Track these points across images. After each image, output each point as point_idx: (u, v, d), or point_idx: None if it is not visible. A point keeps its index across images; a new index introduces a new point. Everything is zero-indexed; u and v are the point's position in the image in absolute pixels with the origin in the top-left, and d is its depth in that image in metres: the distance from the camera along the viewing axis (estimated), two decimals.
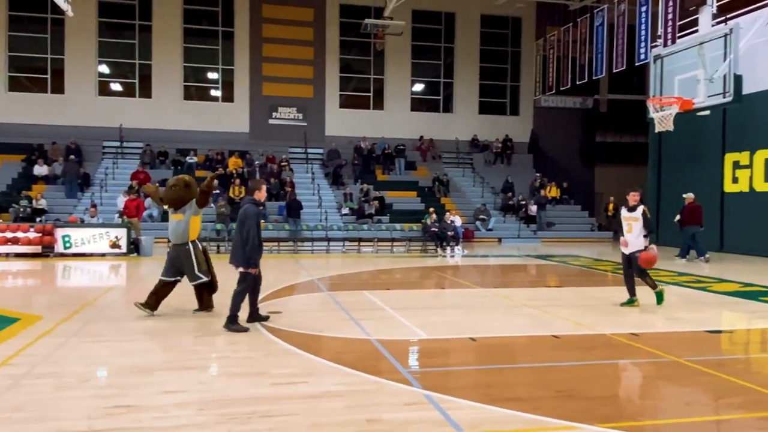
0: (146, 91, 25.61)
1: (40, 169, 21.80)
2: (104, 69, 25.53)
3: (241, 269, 6.77)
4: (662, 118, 14.21)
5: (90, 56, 24.90)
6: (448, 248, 17.93)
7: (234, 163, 23.66)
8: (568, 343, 6.43)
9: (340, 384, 4.80)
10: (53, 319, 6.99)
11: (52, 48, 24.71)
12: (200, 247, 7.57)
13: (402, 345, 6.33)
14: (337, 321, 7.37)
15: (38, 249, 14.99)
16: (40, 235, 15.07)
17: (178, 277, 7.46)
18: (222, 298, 7.46)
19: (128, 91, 25.80)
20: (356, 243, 18.49)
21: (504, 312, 8.31)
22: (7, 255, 14.84)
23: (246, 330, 6.64)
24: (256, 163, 24.00)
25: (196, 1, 25.89)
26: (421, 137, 27.53)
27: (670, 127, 14.10)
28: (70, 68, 24.72)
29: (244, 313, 6.88)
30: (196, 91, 26.54)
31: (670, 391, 4.90)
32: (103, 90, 25.50)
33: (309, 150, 26.20)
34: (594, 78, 22.63)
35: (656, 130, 15.18)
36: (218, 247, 17.49)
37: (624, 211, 8.48)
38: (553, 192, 25.26)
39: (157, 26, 25.41)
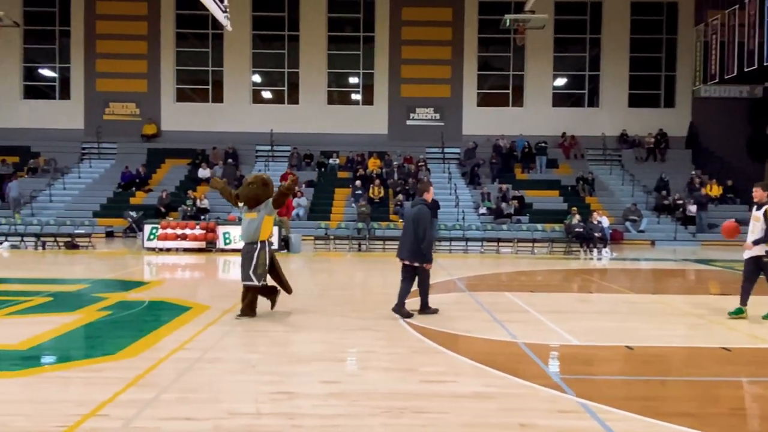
0: (294, 98, 27.16)
1: (203, 172, 23.97)
2: (257, 78, 27.48)
3: (406, 263, 7.37)
4: None
5: (245, 67, 26.92)
6: (595, 250, 17.01)
7: (373, 164, 24.35)
8: (741, 356, 5.80)
9: (490, 386, 4.71)
10: (219, 309, 7.61)
11: (212, 61, 27.07)
12: (268, 249, 7.20)
13: (552, 350, 6.08)
14: (481, 322, 7.25)
15: (203, 244, 16.48)
16: (204, 232, 16.55)
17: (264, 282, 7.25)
18: (292, 302, 7.64)
19: (278, 98, 27.53)
20: (495, 243, 18.15)
21: (663, 320, 7.68)
22: (177, 250, 16.47)
23: (436, 311, 7.50)
24: (395, 163, 24.49)
25: (340, 10, 26.99)
26: (564, 134, 26.42)
27: None
28: (228, 79, 26.91)
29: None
30: (338, 96, 27.67)
31: None
32: (256, 98, 27.45)
33: (446, 150, 26.24)
34: (765, 64, 20.24)
35: None
36: (359, 245, 18.06)
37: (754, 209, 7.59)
38: (714, 190, 23.03)
39: (303, 36, 26.85)
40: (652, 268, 14.67)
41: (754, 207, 7.67)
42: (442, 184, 23.78)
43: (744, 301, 7.65)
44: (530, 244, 17.93)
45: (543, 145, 25.22)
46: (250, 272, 7.03)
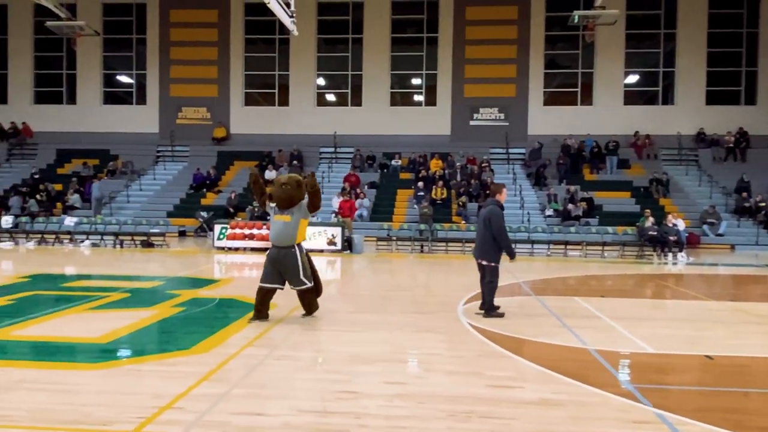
0: (357, 100, 27.42)
1: (269, 174, 24.54)
2: (321, 81, 27.91)
3: (483, 262, 7.55)
4: None
5: (310, 71, 27.41)
6: (670, 254, 16.28)
7: (435, 165, 24.24)
8: None
9: (560, 393, 4.57)
10: (286, 307, 7.76)
11: (279, 65, 27.71)
12: (305, 251, 7.11)
13: (624, 357, 5.84)
14: (550, 327, 7.07)
15: (269, 244, 16.84)
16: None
17: (280, 286, 6.96)
18: (356, 302, 7.58)
19: (341, 101, 27.88)
20: (562, 246, 17.67)
21: (744, 329, 7.25)
22: (245, 249, 16.94)
23: (502, 315, 7.47)
24: (457, 164, 24.29)
25: (403, 11, 27.05)
26: (636, 133, 25.44)
27: None
28: (293, 83, 27.48)
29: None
30: (401, 97, 27.72)
31: None
32: (321, 101, 27.88)
33: (510, 150, 25.80)
34: None
35: None
36: (422, 247, 18.01)
37: None
38: None
39: (367, 38, 27.06)
40: (732, 273, 13.90)
41: None
42: (506, 185, 23.32)
43: None
44: (600, 248, 17.35)
45: (614, 144, 24.36)
46: (301, 276, 6.86)
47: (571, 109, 26.38)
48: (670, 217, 17.45)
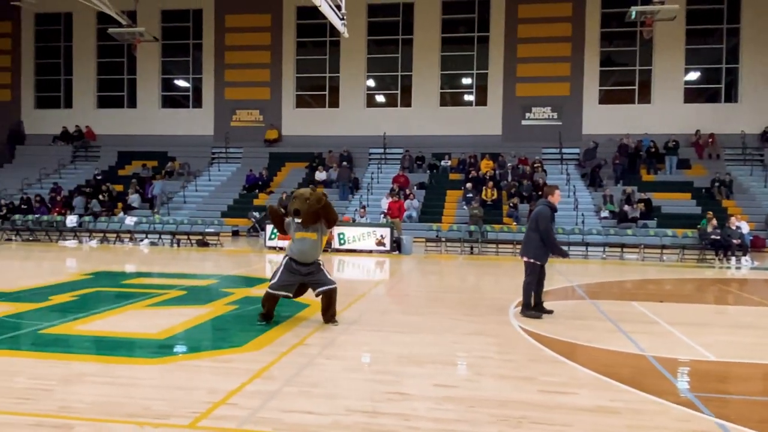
0: (407, 101, 27.43)
1: (320, 175, 24.86)
2: (371, 83, 28.05)
3: (525, 259, 7.68)
4: None
5: (360, 72, 27.59)
6: (733, 258, 15.57)
7: (486, 166, 23.98)
8: None
9: (615, 400, 4.43)
10: (336, 307, 7.81)
11: (329, 67, 28.00)
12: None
13: (684, 365, 5.61)
14: (605, 332, 6.87)
15: None
16: None
17: (291, 295, 6.91)
18: (405, 304, 7.45)
19: (391, 102, 27.94)
20: (618, 249, 17.15)
21: None
22: None
23: (539, 317, 7.48)
24: (508, 165, 23.95)
25: (454, 11, 26.88)
26: (697, 132, 24.46)
27: None
28: (343, 84, 27.72)
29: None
30: (451, 98, 27.55)
31: None
32: (370, 102, 28.03)
33: (564, 150, 25.26)
34: None
35: None
36: (471, 248, 17.84)
37: None
38: None
39: (417, 39, 27.03)
40: None
41: None
42: (559, 186, 22.82)
43: None
44: (658, 251, 16.77)
45: (673, 143, 23.51)
46: (329, 277, 6.89)
47: (628, 108, 25.61)
48: (733, 219, 16.71)
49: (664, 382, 4.96)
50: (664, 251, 16.73)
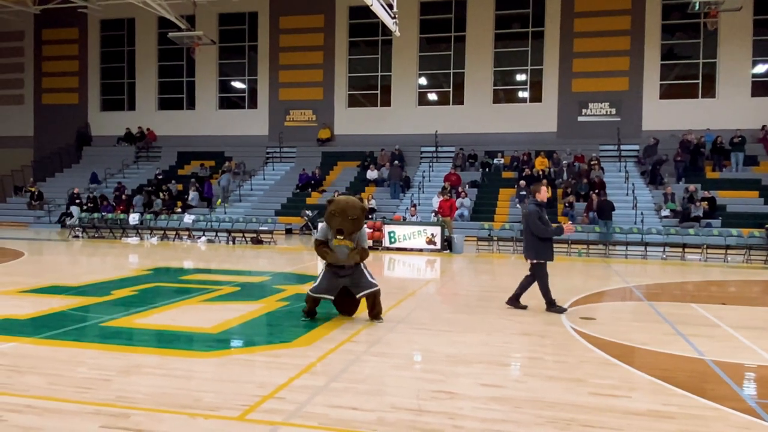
0: (459, 98, 27.19)
1: (371, 174, 24.98)
2: (423, 81, 27.96)
3: (532, 261, 7.79)
4: None
5: (411, 71, 27.55)
6: None
7: (540, 164, 23.52)
8: None
9: (669, 404, 4.27)
10: (384, 305, 7.85)
11: (381, 66, 28.09)
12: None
13: (746, 370, 5.36)
14: (662, 334, 6.62)
15: (370, 243, 17.16)
16: (371, 230, 17.22)
17: (332, 298, 6.92)
18: (455, 303, 7.33)
19: (443, 100, 27.77)
20: (680, 249, 16.50)
21: None
22: None
23: (564, 310, 7.66)
24: (564, 162, 23.41)
25: (508, 6, 26.47)
26: (764, 126, 23.24)
27: None
28: (395, 83, 27.74)
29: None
30: (504, 94, 27.15)
31: None
32: (422, 100, 27.94)
33: (622, 147, 24.49)
34: None
35: None
36: None
37: None
38: None
39: (470, 35, 26.76)
40: None
41: None
42: (618, 183, 22.25)
43: None
44: (723, 251, 16.02)
45: (739, 139, 22.42)
46: (371, 280, 6.94)
47: (691, 102, 24.58)
48: None
49: (724, 388, 4.75)
50: (729, 252, 15.98)
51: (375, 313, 6.98)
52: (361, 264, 6.99)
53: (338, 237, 6.80)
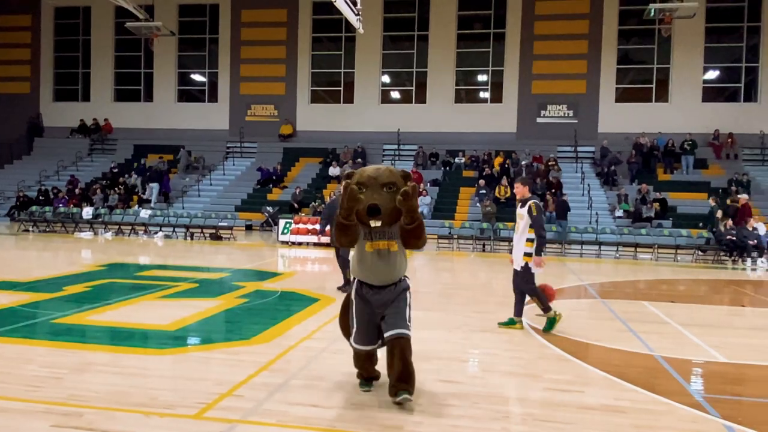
0: (421, 97, 27.33)
1: (333, 170, 24.89)
2: (386, 79, 27.99)
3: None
4: None
5: (375, 68, 27.54)
6: (749, 260, 15.37)
7: (499, 163, 23.86)
8: None
9: (621, 399, 4.41)
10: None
11: (344, 63, 28.00)
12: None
13: (693, 366, 5.57)
14: (614, 331, 6.83)
15: (327, 240, 17.10)
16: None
17: (378, 346, 4.48)
18: (415, 300, 7.42)
19: (405, 98, 27.86)
20: (632, 249, 17.01)
21: None
22: (307, 244, 17.25)
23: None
24: (522, 162, 23.82)
25: (471, 7, 26.73)
26: (717, 131, 24.13)
27: None
28: (358, 80, 27.69)
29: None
30: (466, 94, 27.42)
31: None
32: (385, 98, 27.96)
33: (579, 148, 25.06)
34: None
35: None
36: (483, 246, 17.77)
37: None
38: None
39: (433, 35, 26.92)
40: None
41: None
42: (574, 184, 22.75)
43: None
44: (673, 251, 16.60)
45: (690, 143, 23.22)
46: (406, 315, 4.39)
47: (645, 106, 25.31)
48: (750, 220, 16.48)
49: (673, 383, 4.93)
50: (679, 251, 16.55)
51: (406, 374, 4.18)
52: (406, 286, 4.45)
53: (373, 223, 4.20)
